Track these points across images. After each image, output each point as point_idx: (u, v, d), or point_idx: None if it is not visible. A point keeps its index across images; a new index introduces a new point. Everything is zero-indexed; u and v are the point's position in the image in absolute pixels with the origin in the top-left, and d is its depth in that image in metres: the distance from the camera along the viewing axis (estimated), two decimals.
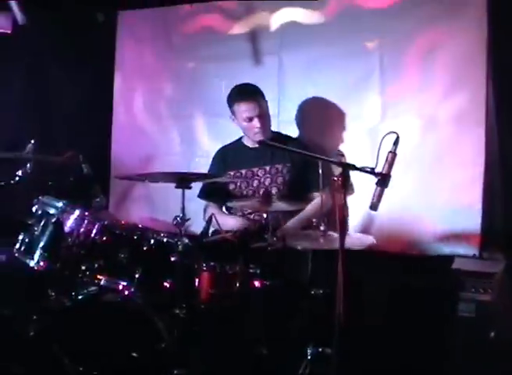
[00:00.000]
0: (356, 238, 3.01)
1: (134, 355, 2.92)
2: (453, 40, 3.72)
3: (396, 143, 2.65)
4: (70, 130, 4.55)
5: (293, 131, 4.08)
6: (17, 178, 3.44)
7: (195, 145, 4.44)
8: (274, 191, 3.73)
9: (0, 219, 3.83)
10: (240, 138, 3.94)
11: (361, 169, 2.61)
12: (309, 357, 3.10)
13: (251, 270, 3.05)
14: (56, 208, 3.23)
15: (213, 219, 3.24)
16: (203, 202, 3.93)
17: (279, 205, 3.19)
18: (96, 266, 3.09)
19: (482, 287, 3.33)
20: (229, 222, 3.59)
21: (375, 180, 2.62)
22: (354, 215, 3.84)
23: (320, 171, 3.11)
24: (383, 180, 2.61)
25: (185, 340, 2.94)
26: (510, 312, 3.28)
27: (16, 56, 4.54)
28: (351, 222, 3.88)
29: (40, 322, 3.04)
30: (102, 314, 3.01)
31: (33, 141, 3.47)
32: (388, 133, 2.64)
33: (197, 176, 3.35)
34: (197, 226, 3.51)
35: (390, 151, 2.64)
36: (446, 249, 3.74)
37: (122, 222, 3.27)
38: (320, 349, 3.09)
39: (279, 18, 4.19)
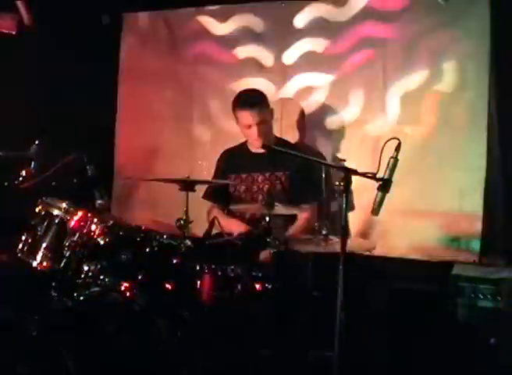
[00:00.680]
0: (357, 243, 3.03)
1: (135, 356, 2.94)
2: (457, 47, 3.76)
3: (397, 149, 2.67)
4: (74, 132, 4.57)
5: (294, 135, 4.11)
6: (21, 178, 3.46)
7: (197, 148, 4.46)
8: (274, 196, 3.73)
9: (3, 219, 3.84)
10: (245, 142, 3.95)
11: (363, 175, 2.63)
12: (310, 359, 3.12)
13: (253, 273, 3.07)
14: (60, 208, 3.26)
15: (216, 222, 3.26)
16: (205, 205, 3.95)
17: (282, 209, 3.20)
18: (99, 266, 3.12)
19: (482, 292, 3.35)
20: (232, 225, 3.61)
21: (376, 185, 2.66)
22: (355, 219, 3.87)
23: (323, 176, 3.15)
24: (384, 185, 2.64)
25: (187, 341, 2.96)
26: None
27: (20, 57, 4.56)
28: (352, 226, 3.91)
29: (42, 322, 3.06)
30: (104, 315, 3.03)
31: (37, 142, 3.49)
32: (390, 139, 2.67)
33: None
34: (199, 228, 3.53)
35: (392, 157, 2.67)
36: (446, 255, 3.75)
37: (126, 223, 3.29)
38: (321, 352, 3.11)
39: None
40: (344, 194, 2.55)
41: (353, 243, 2.86)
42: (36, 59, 4.55)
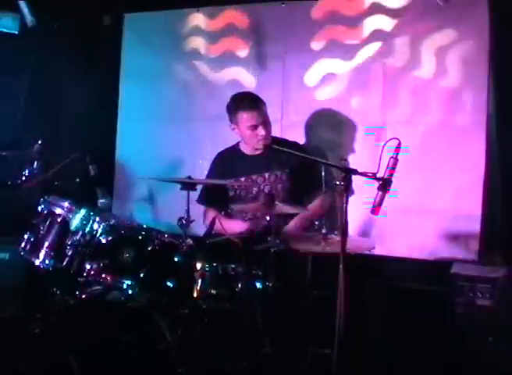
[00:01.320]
0: (356, 242, 3.05)
1: (137, 353, 2.97)
2: (457, 48, 3.79)
3: (397, 149, 2.70)
4: (76, 131, 4.59)
5: (295, 135, 4.13)
6: (24, 178, 3.49)
7: (198, 148, 4.47)
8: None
9: (6, 218, 3.86)
10: (237, 144, 3.93)
11: (363, 174, 2.66)
12: (309, 358, 3.15)
13: (253, 271, 3.09)
14: (62, 207, 3.29)
15: (216, 222, 3.27)
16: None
17: (282, 208, 3.22)
18: (101, 265, 3.14)
19: (480, 291, 3.38)
20: (233, 225, 3.62)
21: (376, 184, 2.68)
22: (355, 218, 3.88)
23: (323, 174, 3.16)
24: (384, 184, 2.66)
25: (187, 339, 2.98)
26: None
27: (22, 57, 4.59)
28: (352, 225, 3.91)
29: (45, 320, 3.09)
30: (106, 313, 3.06)
31: (40, 142, 3.52)
32: (390, 139, 2.69)
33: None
34: (200, 228, 3.56)
35: (392, 157, 2.70)
36: (446, 254, 3.78)
37: (127, 222, 3.31)
38: (320, 350, 3.13)
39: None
40: (344, 194, 2.57)
41: (353, 242, 2.87)
42: (37, 59, 4.58)
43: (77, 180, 3.56)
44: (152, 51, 4.58)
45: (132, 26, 4.67)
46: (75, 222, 3.23)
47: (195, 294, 3.04)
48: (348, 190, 2.56)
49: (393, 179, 2.68)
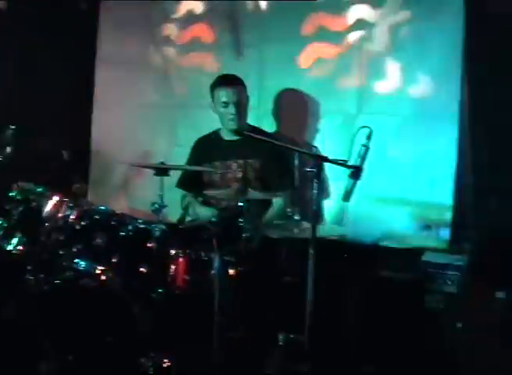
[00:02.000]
0: (329, 229, 3.09)
1: (110, 338, 2.98)
2: (430, 39, 3.81)
3: (369, 137, 2.74)
4: (51, 118, 4.56)
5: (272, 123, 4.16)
6: None
7: (173, 135, 4.48)
8: (247, 183, 3.77)
9: None
10: (217, 130, 3.97)
11: (334, 162, 2.69)
12: (281, 343, 3.18)
13: (226, 258, 3.11)
14: (35, 193, 3.27)
15: (190, 208, 3.29)
16: (180, 192, 3.97)
17: (255, 194, 3.25)
18: (74, 250, 3.14)
19: (449, 279, 3.44)
20: (207, 210, 3.64)
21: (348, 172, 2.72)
22: (328, 206, 3.94)
23: (296, 163, 3.19)
24: (356, 172, 2.70)
25: (160, 324, 3.00)
26: (475, 304, 3.38)
27: None
28: (326, 213, 3.96)
29: (18, 306, 3.08)
30: (79, 298, 3.07)
31: (13, 127, 3.50)
32: (362, 128, 2.73)
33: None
34: (173, 213, 3.57)
35: (363, 145, 2.73)
36: (418, 242, 3.83)
37: (101, 208, 3.31)
38: (292, 336, 3.17)
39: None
40: (316, 180, 2.60)
41: (326, 229, 2.91)
42: (11, 45, 4.53)
43: (51, 165, 3.54)
44: (128, 36, 4.55)
45: (107, 13, 4.63)
46: (48, 207, 3.22)
47: (168, 280, 3.06)
48: (319, 176, 2.59)
49: (365, 167, 2.72)
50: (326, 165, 3.15)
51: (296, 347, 3.03)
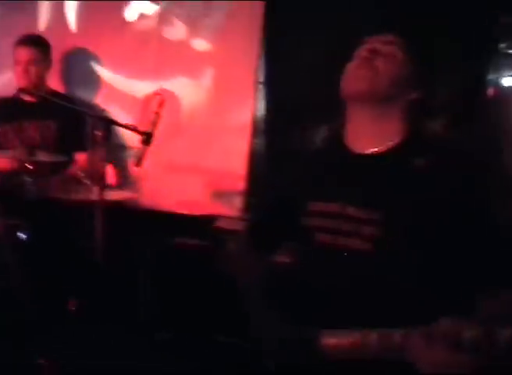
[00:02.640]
0: (118, 193, 3.11)
1: None
2: (232, 20, 3.87)
3: (160, 104, 2.79)
4: None
5: None
6: None
7: None
8: (41, 145, 3.69)
9: None
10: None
11: (124, 126, 2.72)
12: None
13: (12, 222, 3.02)
14: None
15: None
16: None
17: (43, 156, 3.18)
18: None
19: None
20: None
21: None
22: (118, 170, 3.90)
23: (89, 128, 3.15)
24: (146, 138, 2.75)
25: None
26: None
27: None
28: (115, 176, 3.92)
29: None
30: None
31: None
32: (153, 95, 2.77)
33: None
34: None
35: (155, 112, 2.78)
36: (211, 210, 3.96)
37: None
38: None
39: None
40: (104, 143, 2.61)
41: (115, 193, 2.93)
42: None
43: None
44: None
45: None
46: None
47: None
48: (106, 139, 2.61)
49: (156, 133, 2.77)
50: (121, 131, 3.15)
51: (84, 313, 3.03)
